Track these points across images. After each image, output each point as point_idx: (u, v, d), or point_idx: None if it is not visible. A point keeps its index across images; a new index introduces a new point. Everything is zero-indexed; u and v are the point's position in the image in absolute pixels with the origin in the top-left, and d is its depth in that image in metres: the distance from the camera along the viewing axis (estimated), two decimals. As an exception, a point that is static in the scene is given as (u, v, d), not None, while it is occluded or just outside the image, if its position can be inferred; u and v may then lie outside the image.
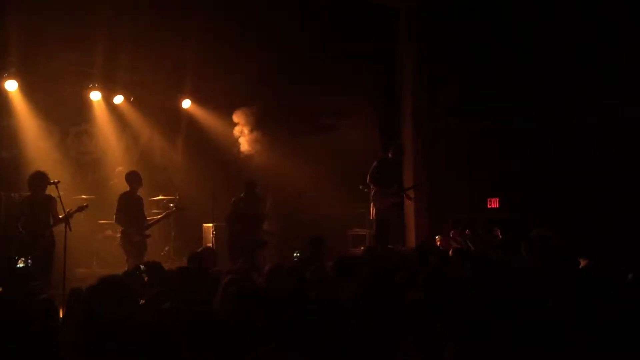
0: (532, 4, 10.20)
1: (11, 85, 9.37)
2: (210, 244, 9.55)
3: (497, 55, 10.49)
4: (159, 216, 8.70)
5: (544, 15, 10.14)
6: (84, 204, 7.61)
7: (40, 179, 7.25)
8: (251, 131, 10.82)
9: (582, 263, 4.98)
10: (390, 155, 9.26)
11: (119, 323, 3.30)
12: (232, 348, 3.29)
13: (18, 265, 5.34)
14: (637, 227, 8.23)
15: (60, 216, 7.18)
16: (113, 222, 8.31)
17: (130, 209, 7.98)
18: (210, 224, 9.75)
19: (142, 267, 5.55)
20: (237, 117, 10.98)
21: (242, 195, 8.96)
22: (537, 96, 10.29)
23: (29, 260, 5.42)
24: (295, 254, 9.15)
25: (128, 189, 8.13)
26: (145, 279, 5.22)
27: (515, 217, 9.53)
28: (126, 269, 7.66)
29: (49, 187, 7.26)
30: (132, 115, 11.06)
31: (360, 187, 9.33)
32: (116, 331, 3.23)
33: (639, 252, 5.76)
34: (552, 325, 3.41)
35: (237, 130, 10.97)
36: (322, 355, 3.31)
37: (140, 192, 8.62)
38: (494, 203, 10.47)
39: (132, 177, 8.15)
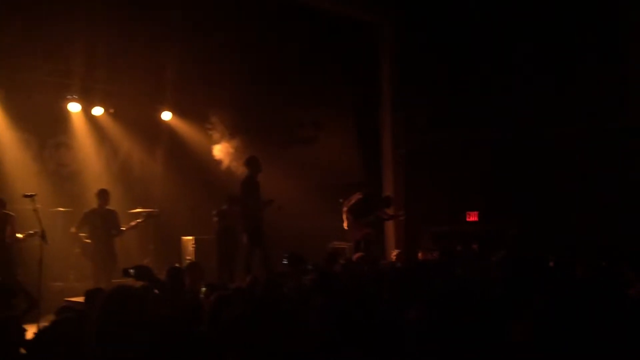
0: (508, 18, 10.38)
1: (-12, 96, 9.30)
2: (189, 257, 9.51)
3: (475, 68, 10.63)
4: (130, 225, 8.83)
5: (520, 26, 10.33)
6: (34, 231, 7.73)
7: None
8: (228, 140, 10.72)
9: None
10: (381, 198, 9.72)
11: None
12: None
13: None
14: (615, 246, 8.36)
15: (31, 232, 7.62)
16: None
17: (94, 223, 8.32)
18: (190, 237, 9.70)
19: (131, 270, 5.51)
20: (212, 124, 10.89)
21: (224, 207, 8.99)
22: (515, 108, 10.42)
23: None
24: (284, 259, 9.14)
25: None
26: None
27: (493, 230, 9.62)
28: (94, 280, 7.82)
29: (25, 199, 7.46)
30: (112, 127, 10.98)
31: (340, 200, 9.45)
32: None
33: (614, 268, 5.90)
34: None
35: (214, 137, 10.86)
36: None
37: (119, 205, 8.68)
38: (472, 216, 10.55)
39: (99, 195, 8.56)
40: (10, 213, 7.88)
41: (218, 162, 10.74)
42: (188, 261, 9.30)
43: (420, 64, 10.79)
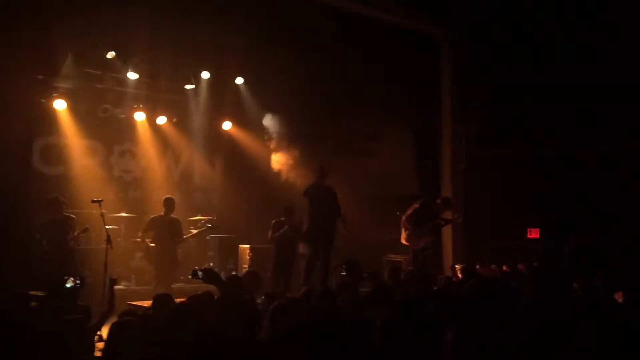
0: (576, 31, 10.09)
1: (60, 105, 9.69)
2: (245, 266, 9.62)
3: (539, 82, 10.39)
4: (191, 234, 9.02)
5: (586, 42, 10.02)
6: (86, 227, 8.12)
7: (57, 204, 7.97)
8: (286, 150, 10.70)
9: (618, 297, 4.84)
10: (438, 202, 9.42)
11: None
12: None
13: (67, 285, 5.48)
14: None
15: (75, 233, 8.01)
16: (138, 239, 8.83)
17: (158, 229, 8.45)
18: (247, 246, 9.80)
19: (199, 272, 5.64)
20: (270, 134, 10.93)
21: (282, 219, 9.04)
22: (579, 122, 10.13)
23: (77, 281, 5.58)
24: (342, 270, 9.13)
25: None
26: None
27: (554, 248, 9.33)
28: (154, 284, 7.99)
29: (92, 204, 7.84)
30: (174, 136, 11.28)
31: (398, 213, 9.34)
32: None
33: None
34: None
35: (272, 148, 10.83)
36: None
37: (178, 212, 8.87)
38: (534, 233, 10.25)
39: (166, 202, 8.67)
40: (72, 216, 8.13)
41: (276, 172, 10.80)
42: (245, 269, 9.41)
43: (482, 77, 10.62)
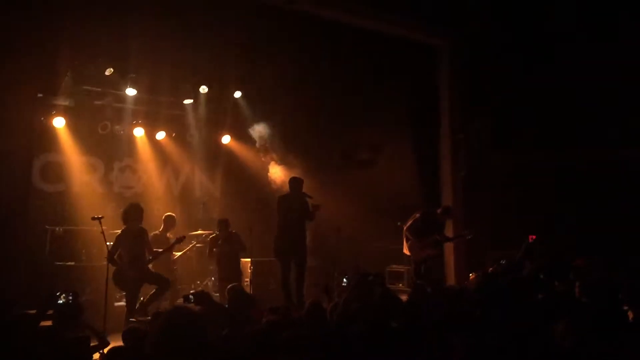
0: (571, 36, 10.14)
1: (59, 122, 9.72)
2: (247, 279, 9.60)
3: (537, 89, 10.41)
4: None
5: (583, 50, 10.06)
6: (183, 236, 8.05)
7: (137, 212, 7.61)
8: (284, 163, 10.65)
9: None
10: (438, 212, 9.32)
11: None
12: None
13: (59, 302, 5.42)
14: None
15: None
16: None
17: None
18: (248, 259, 9.78)
19: (191, 297, 5.65)
20: (269, 148, 10.88)
21: (217, 233, 9.07)
22: (578, 131, 10.14)
23: (70, 297, 5.52)
24: (344, 280, 9.15)
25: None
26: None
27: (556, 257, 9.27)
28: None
29: (92, 222, 7.51)
30: (174, 151, 11.30)
31: (399, 224, 9.32)
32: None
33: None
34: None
35: (270, 161, 10.80)
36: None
37: (179, 226, 8.84)
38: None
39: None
40: (145, 228, 7.82)
41: (275, 185, 10.79)
42: (247, 283, 9.40)
43: (480, 86, 10.65)
